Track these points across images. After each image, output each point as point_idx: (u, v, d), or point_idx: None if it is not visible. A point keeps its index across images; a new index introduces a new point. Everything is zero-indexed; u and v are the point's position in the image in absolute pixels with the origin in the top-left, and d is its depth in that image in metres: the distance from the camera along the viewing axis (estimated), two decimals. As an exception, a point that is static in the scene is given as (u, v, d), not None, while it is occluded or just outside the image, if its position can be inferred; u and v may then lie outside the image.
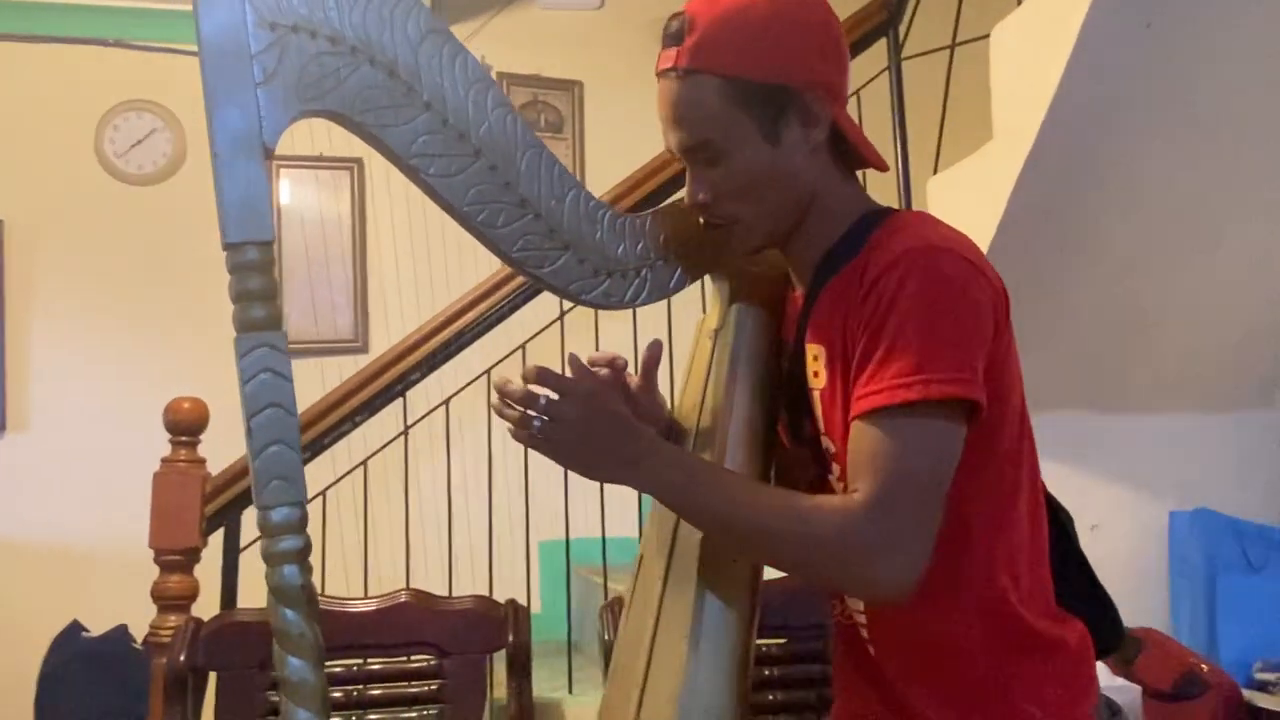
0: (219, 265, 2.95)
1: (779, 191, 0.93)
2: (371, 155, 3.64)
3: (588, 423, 0.86)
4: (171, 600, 2.00)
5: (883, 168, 0.97)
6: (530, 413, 0.85)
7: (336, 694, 1.76)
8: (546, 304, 2.36)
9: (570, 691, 2.26)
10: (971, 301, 0.85)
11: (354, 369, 2.95)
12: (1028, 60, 1.88)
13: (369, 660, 1.77)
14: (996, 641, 0.89)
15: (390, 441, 2.42)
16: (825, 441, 0.93)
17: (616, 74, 3.34)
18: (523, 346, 2.44)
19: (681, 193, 0.99)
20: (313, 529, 2.59)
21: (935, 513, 0.82)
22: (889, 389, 0.82)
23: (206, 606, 2.00)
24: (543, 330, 2.45)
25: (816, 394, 0.93)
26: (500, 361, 2.47)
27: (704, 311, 1.10)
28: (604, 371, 0.98)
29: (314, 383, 3.04)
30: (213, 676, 1.74)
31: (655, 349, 0.98)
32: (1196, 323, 2.17)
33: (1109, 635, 0.95)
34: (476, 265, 3.05)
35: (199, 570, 2.07)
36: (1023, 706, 0.89)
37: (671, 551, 0.97)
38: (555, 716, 2.17)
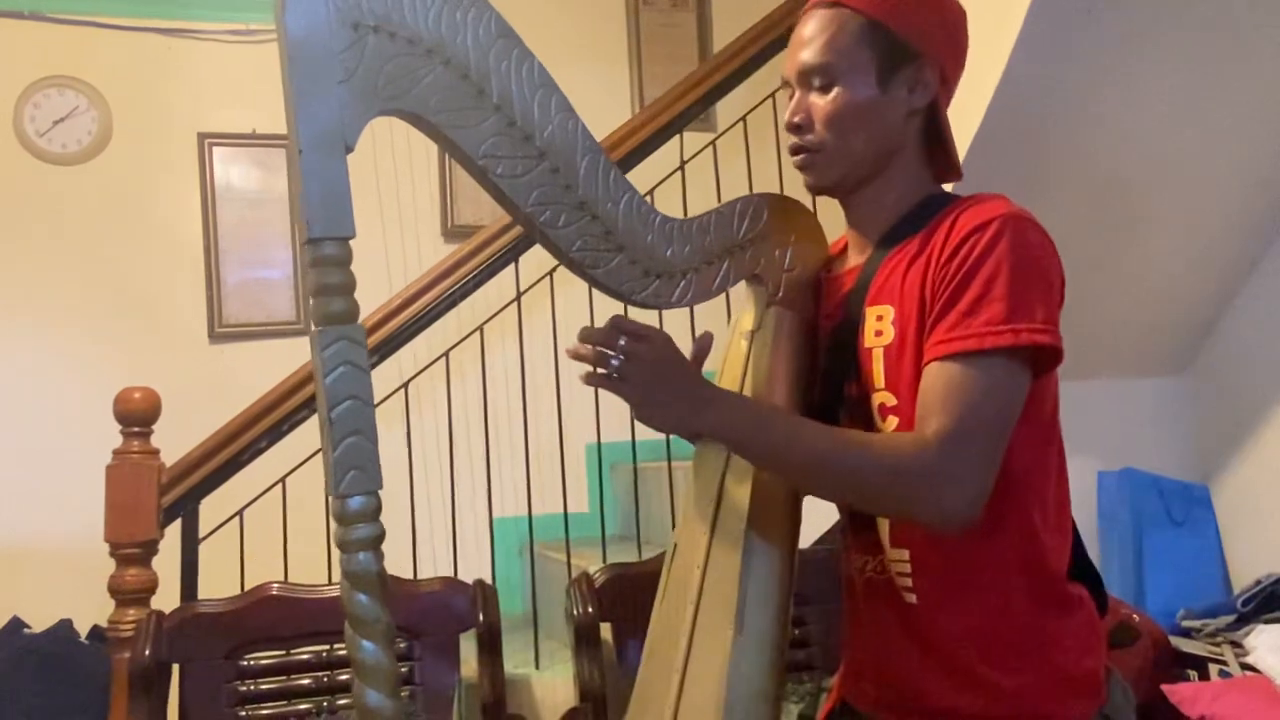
0: (152, 247, 2.87)
1: (869, 133, 1.01)
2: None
3: (663, 365, 0.91)
4: (130, 594, 1.93)
5: (959, 176, 1.05)
6: (609, 351, 0.90)
7: (306, 680, 1.75)
8: (503, 285, 2.38)
9: (537, 667, 2.29)
10: (1052, 268, 0.94)
11: (297, 351, 2.90)
12: (974, 41, 1.97)
13: (336, 646, 1.77)
14: (1034, 593, 0.96)
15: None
16: (880, 397, 0.99)
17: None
18: (479, 329, 2.44)
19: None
20: (273, 517, 2.56)
21: (1000, 452, 0.89)
22: (978, 334, 0.89)
23: (163, 600, 1.94)
24: (500, 311, 2.45)
25: (878, 351, 0.99)
26: (458, 343, 2.47)
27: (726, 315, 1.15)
28: None
29: (256, 367, 2.96)
30: (176, 670, 1.71)
31: (706, 340, 1.03)
32: (1122, 293, 2.33)
33: (1098, 605, 1.03)
34: (421, 246, 3.02)
35: (153, 563, 2.01)
36: (1053, 657, 0.95)
37: (711, 539, 1.01)
38: (525, 692, 2.20)
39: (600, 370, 0.92)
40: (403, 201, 3.08)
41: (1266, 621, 2.11)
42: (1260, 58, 2.00)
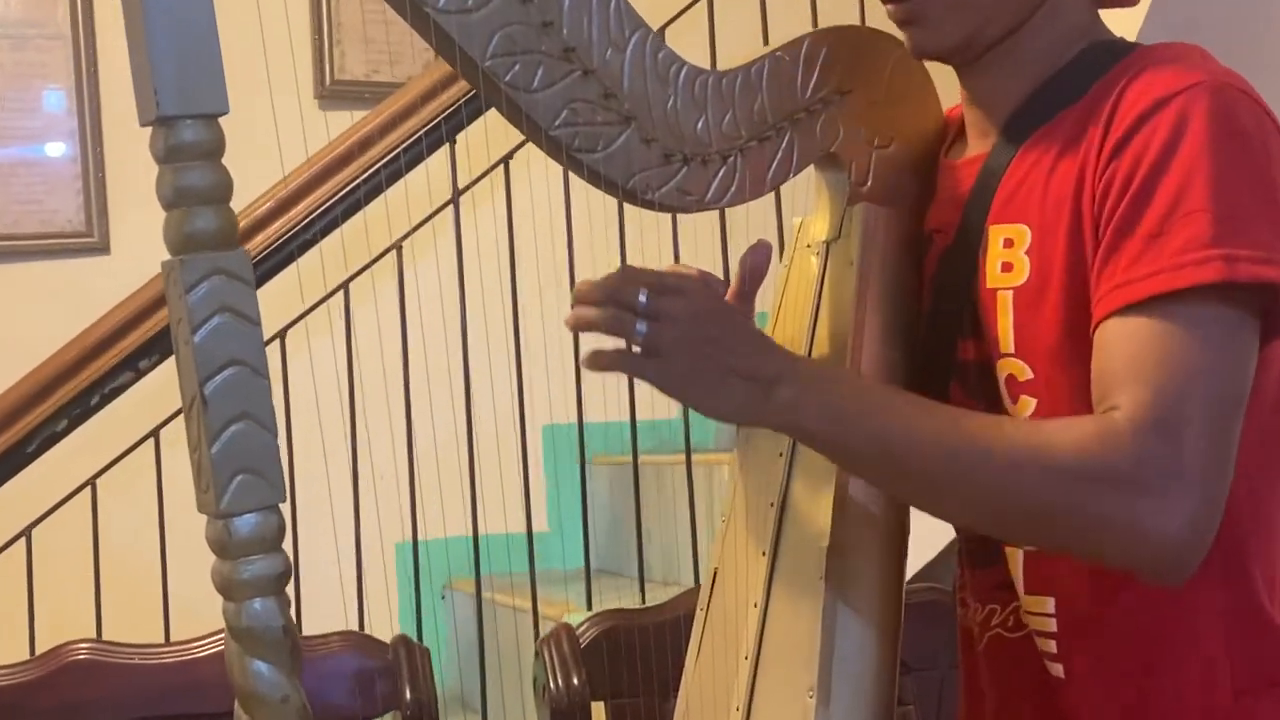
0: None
1: None
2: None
3: (709, 325, 0.92)
4: None
5: (1132, 1, 1.06)
6: (628, 316, 0.91)
7: (137, 791, 1.81)
8: (433, 177, 2.40)
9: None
10: (1274, 161, 0.93)
11: (92, 279, 2.92)
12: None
13: (184, 738, 1.83)
14: (1246, 666, 0.99)
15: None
16: (1008, 366, 1.01)
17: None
18: (397, 245, 2.47)
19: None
20: (78, 539, 2.60)
21: (1233, 443, 0.89)
22: (1171, 268, 0.89)
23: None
24: (428, 219, 2.48)
25: (1005, 296, 1.01)
26: (361, 271, 2.50)
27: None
28: None
29: (27, 303, 2.98)
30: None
31: (761, 255, 1.04)
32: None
33: None
34: (286, 115, 3.01)
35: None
36: None
37: (773, 565, 1.05)
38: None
39: (616, 347, 0.92)
40: (252, 46, 3.06)
41: None
42: None
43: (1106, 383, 0.91)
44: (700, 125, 1.02)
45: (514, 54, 0.95)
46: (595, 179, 1.00)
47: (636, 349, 0.93)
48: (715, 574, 1.12)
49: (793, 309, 1.12)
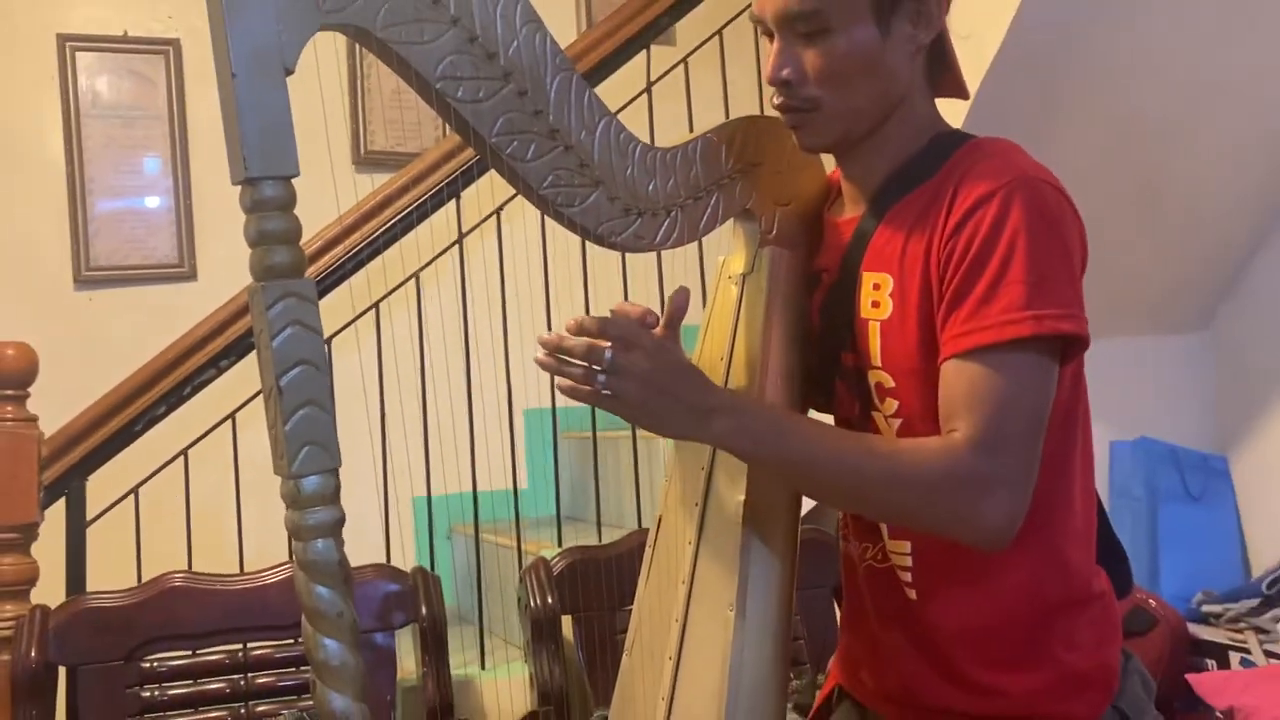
0: (1, 173, 2.76)
1: (872, 85, 1.02)
2: (192, 36, 3.41)
3: (658, 373, 0.92)
4: (8, 586, 1.93)
5: (966, 97, 1.07)
6: (595, 368, 0.91)
7: (218, 684, 1.79)
8: (446, 220, 2.38)
9: (483, 667, 2.34)
10: (1070, 237, 0.96)
11: (182, 299, 2.89)
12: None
13: (250, 645, 1.80)
14: (1048, 592, 1.02)
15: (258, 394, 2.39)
16: (876, 375, 1.03)
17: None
18: (415, 275, 2.45)
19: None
20: (173, 495, 2.54)
21: (1037, 454, 0.93)
22: (997, 325, 0.92)
23: (44, 593, 1.95)
24: (438, 256, 2.46)
25: (874, 325, 1.03)
26: (389, 294, 2.47)
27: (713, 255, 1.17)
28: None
29: (133, 318, 2.94)
30: (63, 674, 1.72)
31: (681, 297, 1.04)
32: (1138, 242, 2.42)
33: (1120, 586, 1.09)
34: (331, 178, 3.00)
35: (32, 550, 2.01)
36: (1061, 655, 1.01)
37: (704, 512, 1.06)
38: (471, 696, 2.26)
39: (587, 387, 0.92)
40: (306, 125, 3.03)
41: (1296, 606, 2.24)
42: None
43: (948, 410, 0.95)
44: (651, 188, 1.03)
45: (513, 133, 0.95)
46: (573, 227, 1.01)
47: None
48: (660, 520, 1.12)
49: (718, 325, 1.12)
